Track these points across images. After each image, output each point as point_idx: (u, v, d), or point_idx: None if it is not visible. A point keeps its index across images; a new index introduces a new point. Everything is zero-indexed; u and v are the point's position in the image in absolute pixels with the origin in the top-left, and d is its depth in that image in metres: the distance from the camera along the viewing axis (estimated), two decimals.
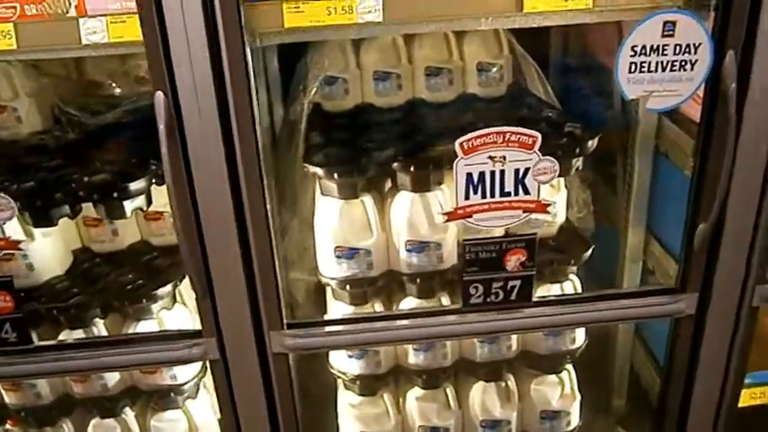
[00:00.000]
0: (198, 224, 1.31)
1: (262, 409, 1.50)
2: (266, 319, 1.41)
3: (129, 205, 1.48)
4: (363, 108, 1.77)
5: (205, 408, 1.76)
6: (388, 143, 1.57)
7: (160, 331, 1.56)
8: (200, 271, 1.34)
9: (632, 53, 1.25)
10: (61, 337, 1.59)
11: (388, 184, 1.58)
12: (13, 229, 1.50)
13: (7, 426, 1.72)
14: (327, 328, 1.48)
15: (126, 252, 1.78)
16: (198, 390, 1.73)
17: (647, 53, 1.25)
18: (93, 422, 1.71)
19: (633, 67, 1.26)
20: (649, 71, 1.26)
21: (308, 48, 1.82)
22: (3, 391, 1.64)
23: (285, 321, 1.43)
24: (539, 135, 1.31)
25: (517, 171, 1.34)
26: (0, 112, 1.77)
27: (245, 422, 1.52)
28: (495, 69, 1.78)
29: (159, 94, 1.21)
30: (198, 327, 1.48)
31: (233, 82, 1.22)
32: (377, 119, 1.73)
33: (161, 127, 1.20)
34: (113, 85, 1.91)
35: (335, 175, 1.45)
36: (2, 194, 1.29)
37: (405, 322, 1.50)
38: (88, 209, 1.57)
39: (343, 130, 1.68)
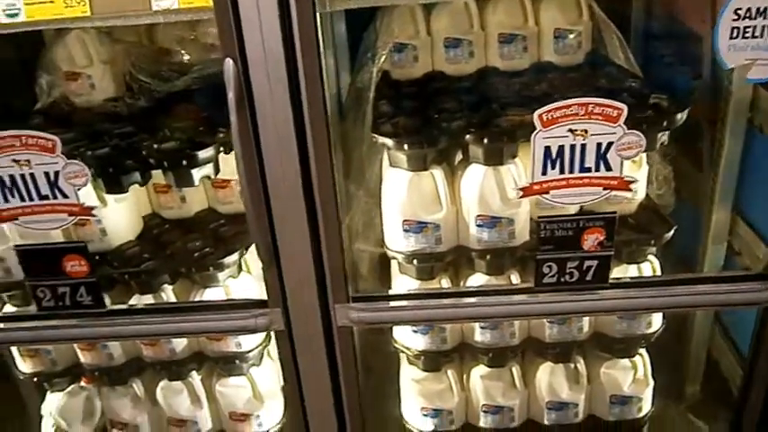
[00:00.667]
0: (265, 193, 1.30)
1: (325, 381, 1.50)
2: (332, 292, 1.39)
3: (197, 173, 1.48)
4: (433, 76, 1.72)
5: (269, 376, 1.78)
6: (460, 113, 1.51)
7: (227, 300, 1.57)
8: (266, 240, 1.33)
9: (735, 17, 1.14)
10: (131, 301, 1.62)
11: (459, 157, 1.52)
12: (87, 195, 1.53)
13: (82, 383, 1.79)
14: (393, 303, 1.45)
15: (193, 219, 1.79)
16: (262, 358, 1.74)
17: (753, 16, 1.13)
18: (161, 384, 1.76)
19: (735, 32, 1.15)
20: (754, 37, 1.15)
21: (376, 14, 1.77)
22: (78, 351, 1.70)
23: (351, 295, 1.41)
24: (624, 107, 1.22)
25: (599, 145, 1.25)
26: (74, 78, 1.79)
27: (308, 393, 1.52)
28: (572, 36, 1.68)
29: (228, 62, 1.18)
30: (263, 296, 1.48)
31: (303, 48, 1.18)
32: (447, 87, 1.67)
33: (230, 95, 1.18)
34: (183, 52, 1.90)
35: (405, 146, 1.40)
36: (77, 161, 1.31)
37: (473, 300, 1.45)
38: (157, 175, 1.59)
39: (412, 99, 1.63)
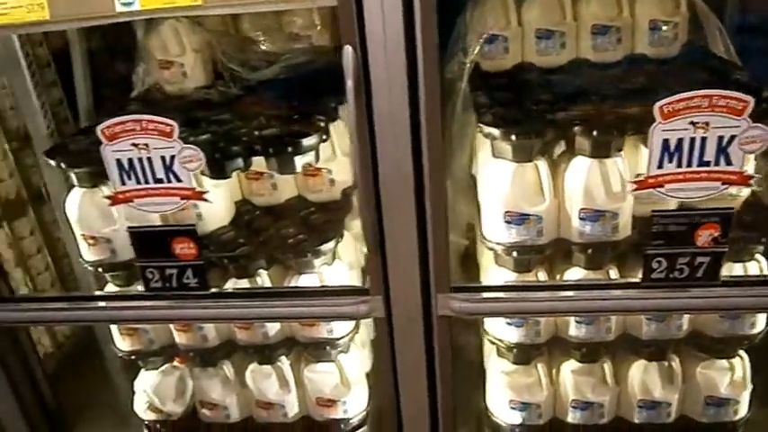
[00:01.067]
0: (375, 179, 1.30)
1: (421, 369, 1.50)
2: (435, 281, 1.39)
3: (299, 160, 1.49)
4: (522, 67, 1.70)
5: (355, 363, 1.80)
6: (557, 105, 1.50)
7: (329, 286, 1.58)
8: (374, 227, 1.33)
9: None
10: (226, 285, 1.65)
11: (559, 149, 1.50)
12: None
13: (175, 363, 1.84)
14: (492, 294, 1.45)
15: (283, 206, 1.81)
16: (350, 345, 1.76)
17: None
18: (251, 367, 1.79)
19: None
20: None
21: (466, 5, 1.75)
22: (174, 332, 1.74)
23: (452, 284, 1.41)
24: (751, 100, 1.19)
25: (721, 139, 1.22)
26: (167, 67, 1.84)
27: (403, 381, 1.53)
28: (668, 27, 1.64)
29: (348, 49, 1.19)
30: (356, 284, 1.50)
31: (424, 35, 1.18)
32: (537, 79, 1.65)
33: (349, 83, 1.19)
34: (266, 41, 1.93)
35: (513, 137, 1.39)
36: (191, 146, 1.34)
37: (572, 293, 1.44)
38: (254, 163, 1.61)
39: (504, 91, 1.62)
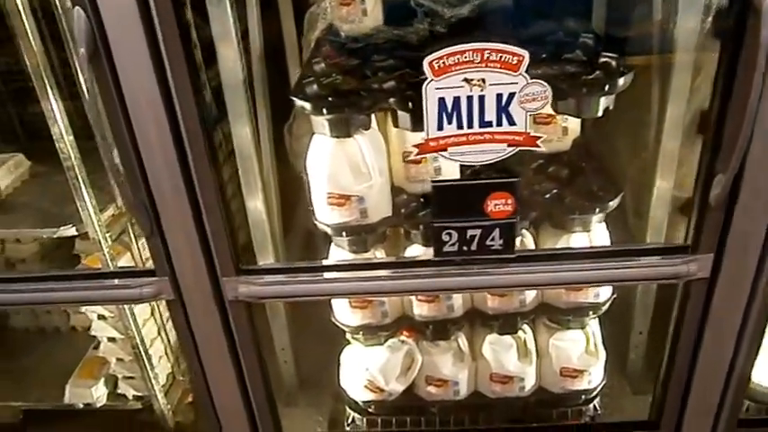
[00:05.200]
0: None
1: (733, 332, 1.36)
2: None
3: (603, 102, 1.30)
4: None
5: (598, 329, 1.65)
6: None
7: (643, 244, 1.41)
8: (731, 176, 1.16)
9: None
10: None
11: None
12: None
13: (402, 336, 1.63)
14: None
15: None
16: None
17: None
18: (489, 338, 1.61)
19: None
20: None
21: None
22: (415, 303, 1.54)
23: None
24: None
25: None
26: (347, 3, 1.61)
27: (709, 347, 1.38)
28: None
29: None
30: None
31: None
32: None
33: None
34: None
35: None
36: (540, 81, 1.12)
37: None
38: None
39: None
